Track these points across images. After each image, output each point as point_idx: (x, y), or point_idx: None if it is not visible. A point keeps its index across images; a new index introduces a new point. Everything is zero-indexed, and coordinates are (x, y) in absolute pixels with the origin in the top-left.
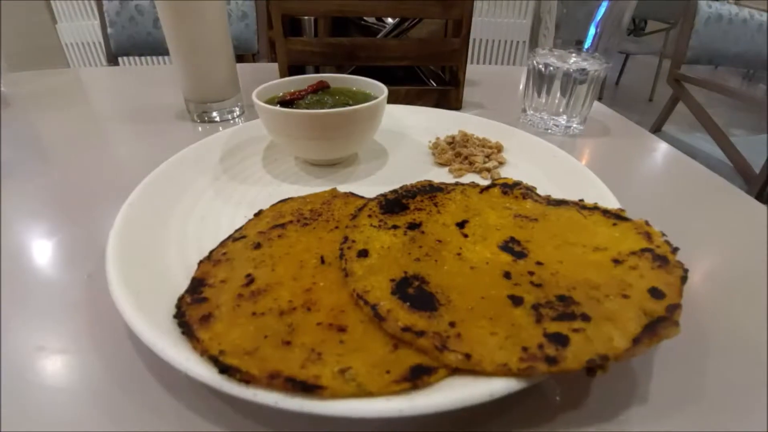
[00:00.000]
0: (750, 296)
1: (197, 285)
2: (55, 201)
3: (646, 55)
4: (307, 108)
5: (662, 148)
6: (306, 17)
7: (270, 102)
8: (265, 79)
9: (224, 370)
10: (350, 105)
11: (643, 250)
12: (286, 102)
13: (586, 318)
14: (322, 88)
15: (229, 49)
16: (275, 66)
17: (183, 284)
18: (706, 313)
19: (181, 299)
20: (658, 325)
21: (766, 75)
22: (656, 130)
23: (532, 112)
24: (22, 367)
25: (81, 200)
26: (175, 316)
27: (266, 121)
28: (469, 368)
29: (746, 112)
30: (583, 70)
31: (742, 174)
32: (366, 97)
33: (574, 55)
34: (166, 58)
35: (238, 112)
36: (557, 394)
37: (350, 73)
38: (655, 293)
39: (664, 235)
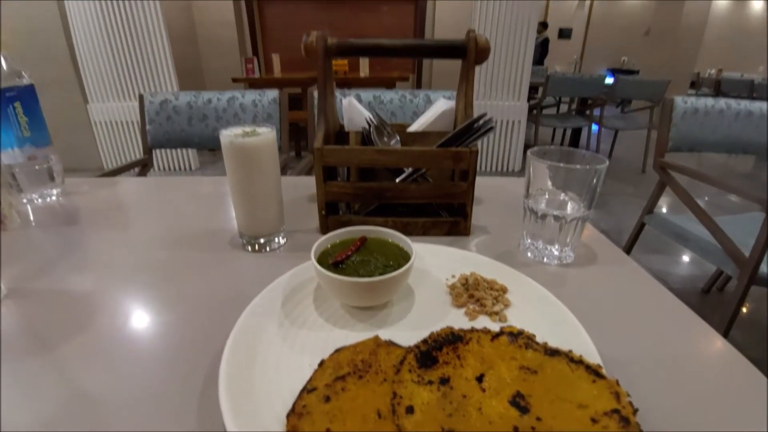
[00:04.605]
0: None
1: None
2: (135, 342)
3: (635, 130)
4: (355, 268)
5: (644, 279)
6: None
7: (323, 257)
8: (304, 200)
9: None
10: (390, 265)
11: (613, 410)
12: (337, 263)
13: None
14: (362, 243)
15: (280, 193)
16: (311, 180)
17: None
18: None
19: None
20: None
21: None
22: (649, 211)
23: (529, 240)
24: None
25: (170, 344)
26: None
27: (324, 283)
28: None
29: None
30: (569, 216)
31: (733, 257)
32: (398, 251)
33: (562, 195)
34: (193, 152)
35: (283, 240)
36: None
37: (376, 208)
38: None
39: (628, 395)
